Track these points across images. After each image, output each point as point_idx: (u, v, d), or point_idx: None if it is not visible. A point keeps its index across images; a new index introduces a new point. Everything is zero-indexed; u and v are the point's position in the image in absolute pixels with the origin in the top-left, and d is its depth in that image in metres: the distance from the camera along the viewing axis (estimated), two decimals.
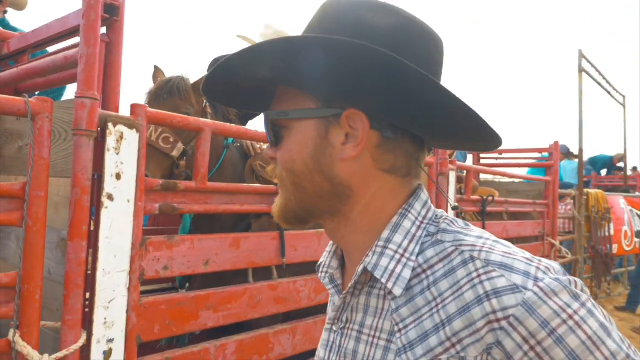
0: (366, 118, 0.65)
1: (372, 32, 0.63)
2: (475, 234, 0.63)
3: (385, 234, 0.66)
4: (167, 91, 2.17)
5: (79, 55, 1.37)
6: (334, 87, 0.64)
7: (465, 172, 3.62)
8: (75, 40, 1.61)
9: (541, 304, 0.53)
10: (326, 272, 0.76)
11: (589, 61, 6.62)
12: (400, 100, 0.64)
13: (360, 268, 0.66)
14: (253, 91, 0.74)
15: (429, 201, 0.70)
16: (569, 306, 0.53)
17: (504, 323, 0.54)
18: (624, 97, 8.67)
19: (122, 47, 1.52)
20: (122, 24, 1.51)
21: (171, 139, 2.06)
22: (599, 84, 7.18)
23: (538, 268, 0.56)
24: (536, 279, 0.55)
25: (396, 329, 0.61)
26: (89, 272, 1.40)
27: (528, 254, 0.60)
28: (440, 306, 0.59)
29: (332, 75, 0.62)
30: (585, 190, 6.41)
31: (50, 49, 1.88)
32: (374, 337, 0.64)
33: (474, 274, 0.57)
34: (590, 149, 10.86)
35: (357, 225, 0.68)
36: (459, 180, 3.53)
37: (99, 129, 1.40)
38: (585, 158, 9.30)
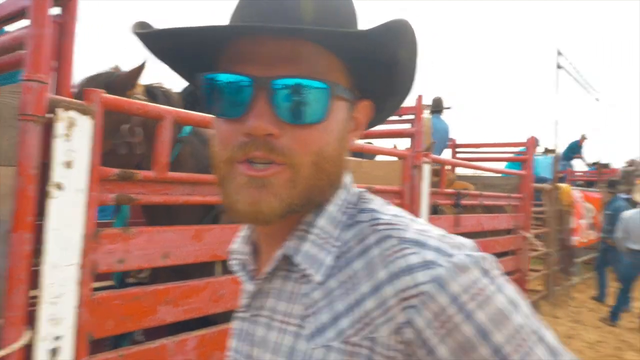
0: (371, 110, 0.67)
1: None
2: (391, 212, 0.61)
3: (309, 217, 0.62)
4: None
5: (27, 36, 1.29)
6: (373, 71, 0.63)
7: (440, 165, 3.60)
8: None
9: (452, 280, 0.51)
10: (238, 259, 0.71)
11: (566, 58, 6.69)
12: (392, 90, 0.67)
13: (280, 253, 0.61)
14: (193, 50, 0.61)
15: (351, 184, 0.67)
16: (478, 281, 0.52)
17: (414, 300, 0.51)
18: (599, 94, 8.81)
19: (75, 29, 1.44)
20: (76, 4, 1.43)
21: None
22: (577, 80, 7.27)
23: (450, 244, 0.55)
24: (448, 255, 0.53)
25: (307, 313, 0.58)
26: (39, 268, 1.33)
27: (442, 231, 0.58)
28: (353, 287, 0.56)
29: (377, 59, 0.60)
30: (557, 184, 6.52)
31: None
32: (285, 322, 0.60)
33: (388, 252, 0.55)
34: (565, 144, 11.00)
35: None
36: (435, 173, 3.51)
37: (49, 114, 1.32)
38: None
